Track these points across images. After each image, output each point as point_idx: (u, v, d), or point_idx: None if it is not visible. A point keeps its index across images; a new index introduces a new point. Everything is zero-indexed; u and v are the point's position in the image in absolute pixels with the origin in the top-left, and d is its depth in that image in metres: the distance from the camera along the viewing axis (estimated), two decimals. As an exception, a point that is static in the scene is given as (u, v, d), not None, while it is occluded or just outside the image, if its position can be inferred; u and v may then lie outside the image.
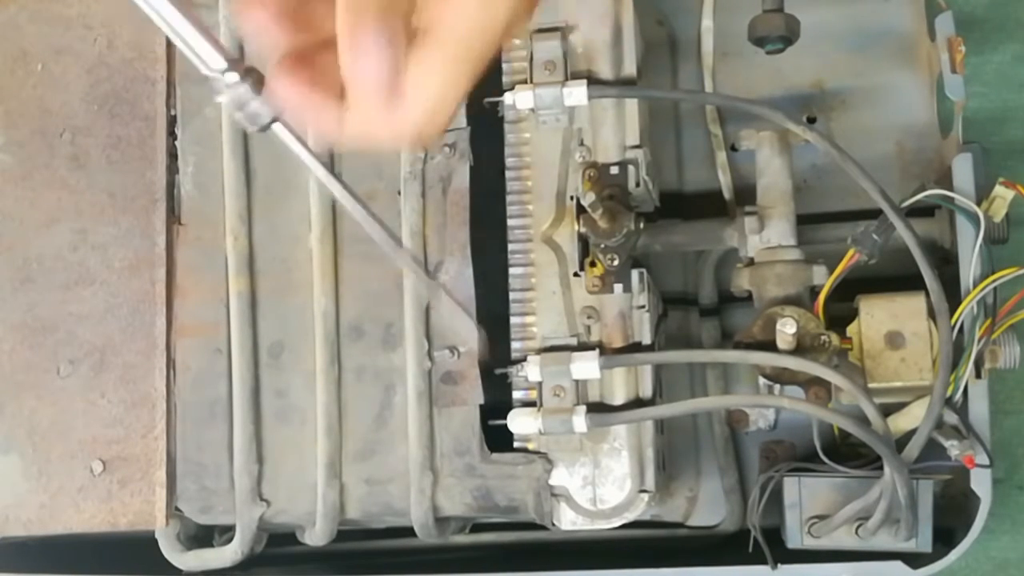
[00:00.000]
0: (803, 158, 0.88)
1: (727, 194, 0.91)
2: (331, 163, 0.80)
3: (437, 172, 0.82)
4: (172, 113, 0.86)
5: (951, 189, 0.77)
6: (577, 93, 0.78)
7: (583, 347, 0.78)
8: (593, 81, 0.79)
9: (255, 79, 0.46)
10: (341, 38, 0.43)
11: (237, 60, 0.46)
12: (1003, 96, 0.92)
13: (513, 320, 0.80)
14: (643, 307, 0.78)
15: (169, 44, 0.85)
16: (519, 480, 0.79)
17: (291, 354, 0.83)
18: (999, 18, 0.92)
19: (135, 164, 0.86)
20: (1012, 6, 0.93)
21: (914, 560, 0.76)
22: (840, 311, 0.79)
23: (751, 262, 0.81)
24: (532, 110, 0.79)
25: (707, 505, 0.91)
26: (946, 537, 0.78)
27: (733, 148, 0.91)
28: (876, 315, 0.78)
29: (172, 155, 0.86)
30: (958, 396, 0.76)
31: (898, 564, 0.76)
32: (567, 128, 0.80)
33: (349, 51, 0.43)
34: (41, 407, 0.86)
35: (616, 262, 0.77)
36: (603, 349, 0.78)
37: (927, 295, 0.76)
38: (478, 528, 0.90)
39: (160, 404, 0.84)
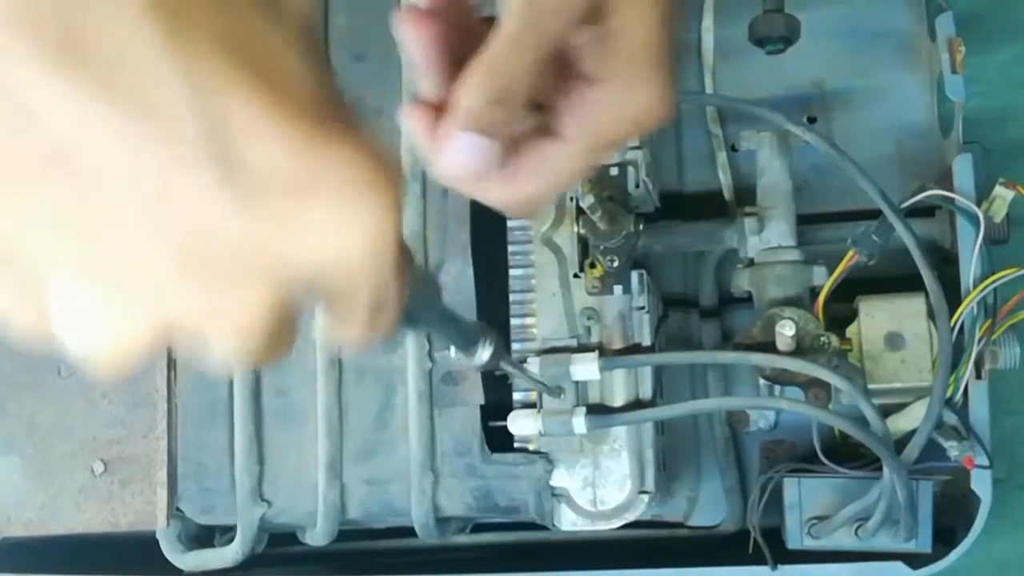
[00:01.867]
0: (803, 158, 0.88)
1: (727, 195, 0.91)
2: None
3: (437, 173, 0.82)
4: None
5: (951, 189, 0.77)
6: (577, 94, 0.78)
7: (583, 348, 0.78)
8: (593, 82, 0.79)
9: (496, 344, 0.55)
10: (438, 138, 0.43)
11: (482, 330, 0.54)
12: (1004, 96, 0.92)
13: (513, 321, 0.80)
14: (643, 308, 0.78)
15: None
16: (520, 480, 0.79)
17: (291, 354, 0.83)
18: (1000, 18, 0.92)
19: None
20: (1014, 6, 0.93)
21: (914, 560, 0.76)
22: (840, 312, 0.79)
23: (751, 263, 0.81)
24: (532, 111, 0.79)
25: (707, 505, 0.91)
26: (947, 538, 0.78)
27: (733, 148, 0.91)
28: (876, 316, 0.78)
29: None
30: (958, 397, 0.76)
31: (898, 565, 0.76)
32: (567, 129, 0.80)
33: (436, 152, 0.43)
34: (42, 407, 0.86)
35: (616, 263, 0.77)
36: (603, 350, 0.78)
37: (927, 296, 0.76)
38: (478, 528, 0.90)
39: (161, 404, 0.84)
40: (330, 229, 0.30)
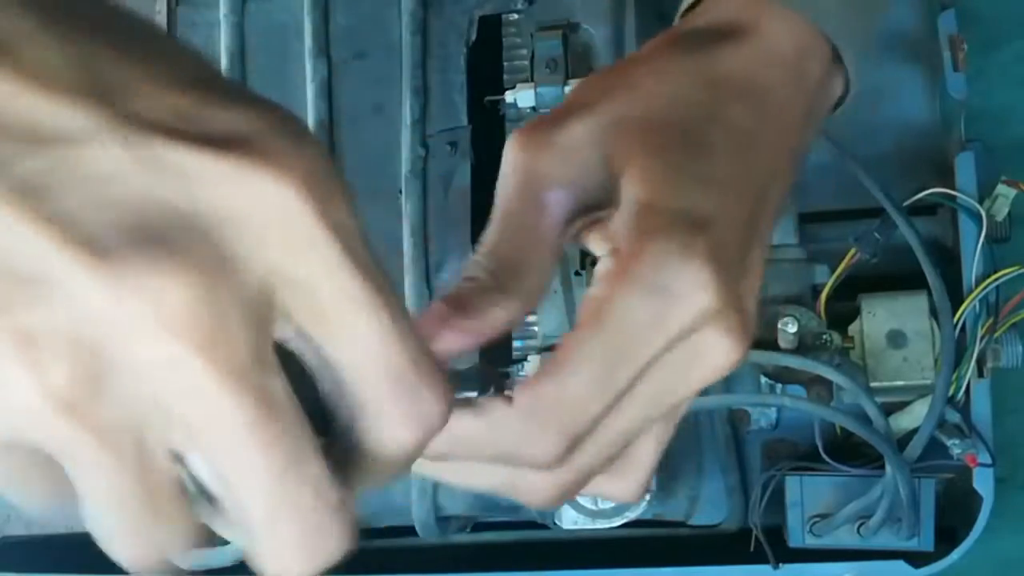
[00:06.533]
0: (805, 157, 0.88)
1: (729, 192, 0.91)
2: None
3: (438, 171, 0.82)
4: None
5: (953, 188, 0.77)
6: (578, 91, 0.78)
7: (584, 346, 0.78)
8: (594, 79, 0.79)
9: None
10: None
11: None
12: (1006, 94, 0.92)
13: (514, 319, 0.80)
14: (644, 306, 0.78)
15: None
16: (520, 479, 0.79)
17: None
18: (1003, 15, 0.92)
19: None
20: (1017, 4, 0.93)
21: (916, 559, 0.76)
22: (842, 310, 0.79)
23: (753, 261, 0.81)
24: (533, 108, 0.79)
25: (709, 504, 0.91)
26: (949, 536, 0.78)
27: (735, 146, 0.91)
28: (878, 314, 0.78)
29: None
30: (960, 395, 0.76)
31: (900, 563, 0.76)
32: (568, 126, 0.80)
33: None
34: (42, 406, 0.85)
35: (617, 261, 0.77)
36: (604, 348, 0.77)
37: (929, 294, 0.75)
38: (479, 527, 0.90)
39: (161, 403, 0.84)
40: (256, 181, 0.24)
